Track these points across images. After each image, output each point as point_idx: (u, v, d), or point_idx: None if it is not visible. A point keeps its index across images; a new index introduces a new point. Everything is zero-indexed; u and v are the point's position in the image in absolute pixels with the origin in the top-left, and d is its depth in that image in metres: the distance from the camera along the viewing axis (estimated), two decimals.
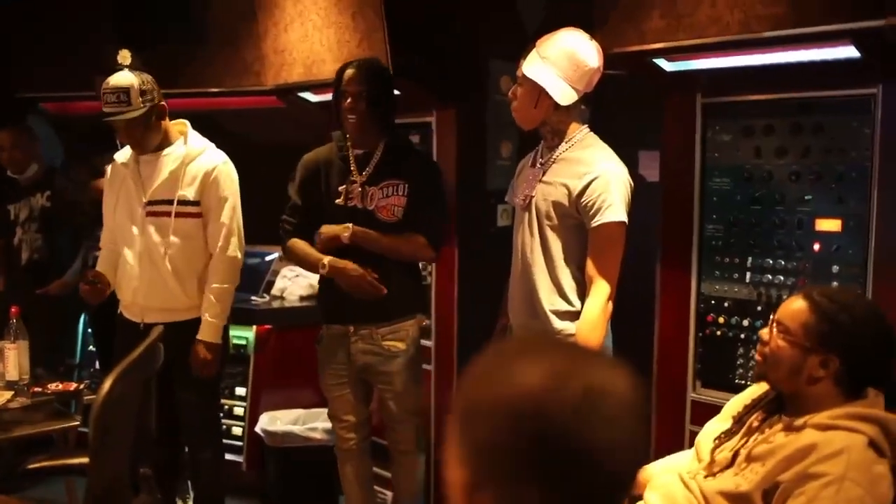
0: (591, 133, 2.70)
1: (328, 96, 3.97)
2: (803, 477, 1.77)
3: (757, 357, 2.04)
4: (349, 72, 2.99)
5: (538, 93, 2.60)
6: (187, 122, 3.30)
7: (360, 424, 3.23)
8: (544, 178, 2.67)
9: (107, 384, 1.83)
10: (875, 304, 2.36)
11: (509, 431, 0.88)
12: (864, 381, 1.90)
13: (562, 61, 2.57)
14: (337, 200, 3.04)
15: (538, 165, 2.74)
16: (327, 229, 3.02)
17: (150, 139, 3.16)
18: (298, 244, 3.11)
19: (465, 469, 0.91)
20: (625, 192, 2.58)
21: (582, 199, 2.56)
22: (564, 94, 2.59)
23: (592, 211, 2.55)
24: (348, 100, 2.97)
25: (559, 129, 2.68)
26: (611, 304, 2.59)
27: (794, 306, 1.94)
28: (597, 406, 0.88)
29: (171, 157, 3.18)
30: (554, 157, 2.68)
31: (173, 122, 3.25)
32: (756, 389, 2.12)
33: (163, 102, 3.17)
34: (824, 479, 1.74)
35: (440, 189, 3.18)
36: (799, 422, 1.89)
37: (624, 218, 2.56)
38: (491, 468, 0.90)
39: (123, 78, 3.10)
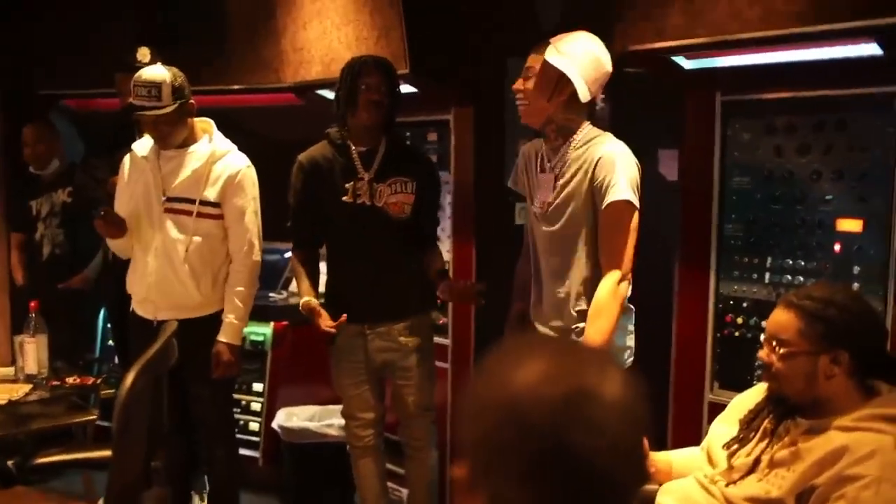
0: (594, 128, 2.65)
1: None
2: (839, 480, 1.78)
3: (765, 381, 2.03)
4: (369, 65, 2.98)
5: (554, 84, 2.56)
6: (212, 122, 3.29)
7: (376, 421, 3.23)
8: (560, 182, 2.63)
9: (129, 378, 1.84)
10: (848, 287, 2.35)
11: (497, 431, 0.90)
12: (874, 367, 1.91)
13: (584, 61, 2.54)
14: (344, 198, 3.02)
15: (548, 170, 2.68)
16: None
17: (175, 135, 3.15)
18: (297, 266, 3.15)
19: (465, 467, 0.93)
20: (631, 173, 2.52)
21: (594, 184, 2.53)
22: (583, 91, 2.55)
23: (601, 193, 2.52)
24: (372, 92, 2.96)
25: (565, 127, 2.63)
26: (624, 284, 2.53)
27: (782, 318, 1.94)
28: (579, 410, 0.88)
29: (195, 156, 3.17)
30: (567, 159, 2.62)
31: (197, 119, 3.24)
32: (760, 390, 2.11)
33: (192, 100, 3.16)
34: (863, 482, 1.74)
35: (440, 190, 3.31)
36: (821, 425, 1.89)
37: (630, 197, 2.49)
38: (484, 467, 0.91)
39: (156, 73, 3.09)
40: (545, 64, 2.56)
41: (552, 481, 0.87)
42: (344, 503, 3.94)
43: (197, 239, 3.16)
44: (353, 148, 3.05)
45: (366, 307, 3.04)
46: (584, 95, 2.54)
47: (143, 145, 3.25)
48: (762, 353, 1.98)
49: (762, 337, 2.06)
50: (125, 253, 3.35)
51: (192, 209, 3.16)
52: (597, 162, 2.53)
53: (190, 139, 3.20)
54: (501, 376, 0.93)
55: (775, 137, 2.79)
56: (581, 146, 2.61)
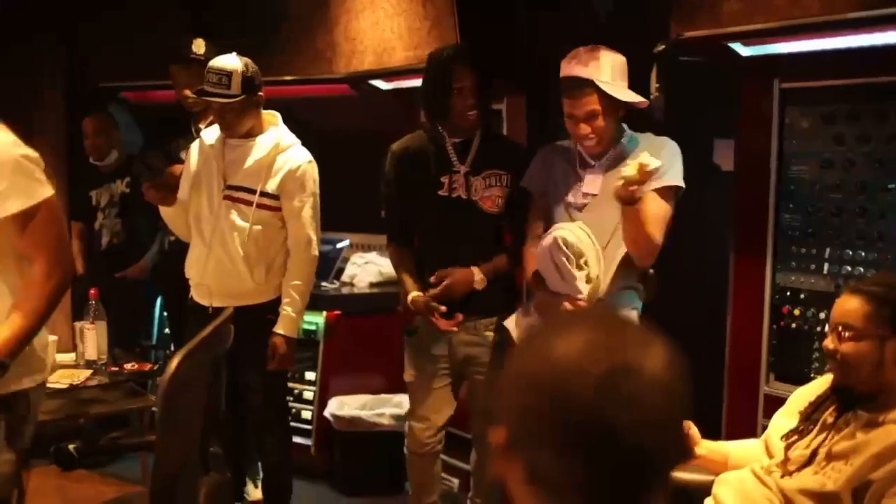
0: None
1: (399, 84, 3.99)
2: None
3: (830, 372, 1.99)
4: (460, 65, 2.88)
5: (617, 114, 2.68)
6: (278, 114, 3.31)
7: (445, 424, 3.11)
8: (611, 174, 2.67)
9: (174, 363, 1.85)
10: None
11: (537, 402, 0.91)
12: None
13: (620, 73, 2.66)
14: (440, 191, 2.96)
15: (596, 167, 2.75)
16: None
17: (241, 125, 3.17)
18: (396, 260, 3.12)
19: (503, 433, 0.94)
20: (681, 166, 2.65)
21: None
22: (642, 99, 2.69)
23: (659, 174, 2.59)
24: (466, 97, 2.88)
25: (616, 135, 2.74)
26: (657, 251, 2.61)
27: (850, 305, 1.91)
28: (622, 384, 0.88)
29: (259, 146, 3.19)
30: (621, 155, 2.70)
31: (264, 111, 3.27)
32: (822, 383, 2.07)
33: (261, 93, 3.18)
34: None
35: None
36: (881, 417, 1.87)
37: (682, 185, 2.63)
38: (522, 436, 0.92)
39: (229, 62, 3.11)
40: (609, 99, 2.62)
41: (588, 454, 0.88)
42: (394, 491, 3.97)
43: (256, 228, 3.19)
44: (448, 139, 2.99)
45: (455, 300, 2.95)
46: (643, 103, 2.69)
47: (212, 133, 3.29)
48: (827, 342, 1.95)
49: (826, 327, 2.02)
50: (177, 226, 3.41)
51: (252, 199, 3.18)
52: (659, 146, 2.63)
53: (256, 130, 3.22)
54: (545, 347, 0.93)
55: (836, 125, 2.72)
56: (632, 141, 2.72)
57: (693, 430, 2.15)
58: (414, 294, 2.98)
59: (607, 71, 2.62)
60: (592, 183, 2.74)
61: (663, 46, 2.96)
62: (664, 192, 2.60)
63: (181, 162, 3.53)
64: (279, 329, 3.20)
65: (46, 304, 2.25)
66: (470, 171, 2.98)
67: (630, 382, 0.88)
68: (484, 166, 2.99)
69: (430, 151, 3.00)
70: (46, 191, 2.25)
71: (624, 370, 0.89)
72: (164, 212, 3.39)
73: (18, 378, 2.27)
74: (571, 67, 2.65)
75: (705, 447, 2.17)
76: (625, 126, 2.74)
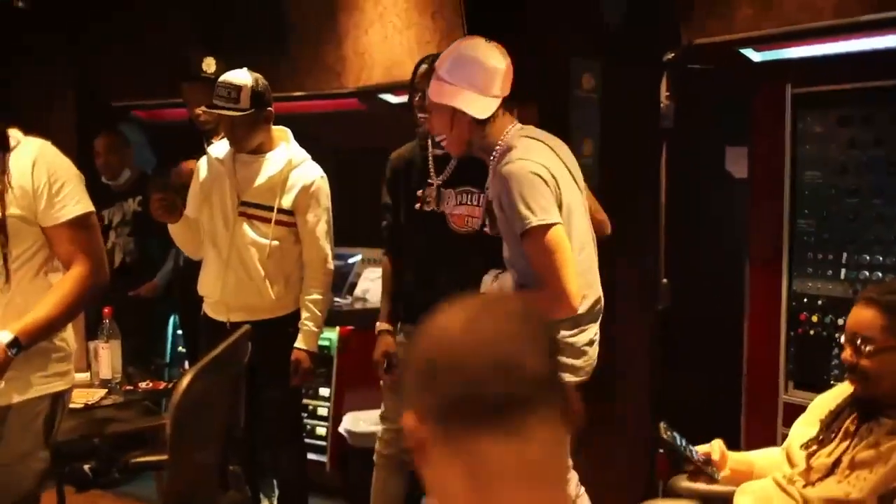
0: (514, 135, 2.42)
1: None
2: None
3: (850, 383, 1.97)
4: (423, 66, 2.86)
5: (449, 114, 2.37)
6: (288, 130, 3.32)
7: None
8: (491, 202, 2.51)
9: (185, 381, 1.84)
10: None
11: (421, 361, 1.00)
12: None
13: (467, 73, 2.34)
14: (416, 205, 2.92)
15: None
16: None
17: (251, 139, 3.19)
18: (385, 277, 3.13)
19: (412, 416, 0.99)
20: (526, 193, 2.27)
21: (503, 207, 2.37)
22: (480, 106, 2.34)
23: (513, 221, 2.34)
24: (416, 97, 2.85)
25: (487, 145, 2.43)
26: (567, 303, 2.27)
27: (864, 316, 1.89)
28: (479, 318, 0.98)
29: (271, 162, 3.20)
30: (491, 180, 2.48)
31: (275, 127, 3.28)
32: (842, 390, 2.04)
33: (270, 108, 3.19)
34: None
35: None
36: None
37: (533, 222, 2.26)
38: (420, 401, 0.98)
39: (239, 76, 3.14)
40: (429, 101, 2.41)
41: (453, 378, 0.96)
42: None
43: (274, 244, 3.20)
44: (431, 150, 2.93)
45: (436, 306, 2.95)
46: (480, 113, 2.35)
47: (220, 148, 3.29)
48: (845, 355, 1.92)
49: (842, 338, 2.00)
50: (184, 243, 3.41)
51: (269, 216, 3.19)
52: (500, 186, 2.35)
53: (266, 145, 3.23)
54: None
55: (850, 129, 2.71)
56: (496, 165, 2.41)
57: (721, 449, 2.09)
58: (381, 327, 3.05)
59: (446, 64, 2.37)
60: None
61: (673, 55, 2.96)
62: (525, 241, 2.30)
63: None
64: (301, 344, 3.20)
65: (76, 301, 2.35)
66: (443, 184, 2.89)
67: (488, 315, 0.99)
68: (463, 181, 2.87)
69: (416, 163, 2.97)
70: (92, 204, 2.47)
71: (482, 308, 1.00)
72: (172, 229, 3.39)
73: (60, 378, 2.40)
74: None
75: (732, 461, 2.13)
76: (509, 132, 2.41)
